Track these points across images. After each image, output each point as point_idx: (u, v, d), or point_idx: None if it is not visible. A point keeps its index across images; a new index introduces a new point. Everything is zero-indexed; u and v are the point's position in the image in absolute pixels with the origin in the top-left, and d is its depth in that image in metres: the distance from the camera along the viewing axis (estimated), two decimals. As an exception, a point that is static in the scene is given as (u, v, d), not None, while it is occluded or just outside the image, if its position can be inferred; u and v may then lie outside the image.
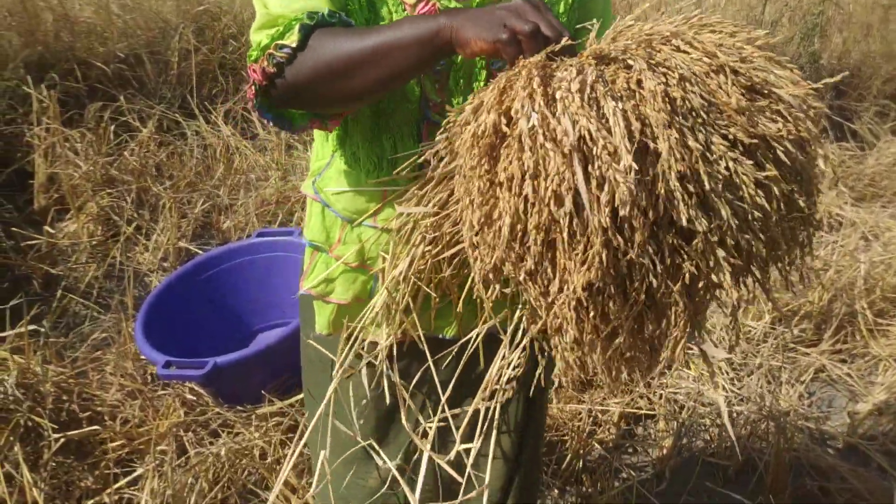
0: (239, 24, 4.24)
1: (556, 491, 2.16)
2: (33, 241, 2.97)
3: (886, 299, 2.92)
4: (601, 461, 2.23)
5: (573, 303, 0.75)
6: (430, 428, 1.07)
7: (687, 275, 0.76)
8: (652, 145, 0.70)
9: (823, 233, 3.36)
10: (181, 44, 4.04)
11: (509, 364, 1.06)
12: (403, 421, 1.10)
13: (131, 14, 4.19)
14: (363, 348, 1.14)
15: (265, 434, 2.08)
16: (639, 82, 0.73)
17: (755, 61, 0.82)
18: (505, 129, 0.72)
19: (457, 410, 1.11)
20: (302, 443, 1.15)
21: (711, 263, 0.76)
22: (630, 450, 2.35)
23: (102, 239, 3.07)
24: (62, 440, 1.97)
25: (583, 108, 0.68)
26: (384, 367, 1.09)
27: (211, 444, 2.10)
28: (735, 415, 2.41)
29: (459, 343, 1.11)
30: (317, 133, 1.20)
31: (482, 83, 1.06)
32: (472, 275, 1.06)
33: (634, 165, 0.67)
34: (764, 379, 2.57)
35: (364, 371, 1.16)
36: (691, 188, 0.72)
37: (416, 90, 1.06)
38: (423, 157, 1.00)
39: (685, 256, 0.76)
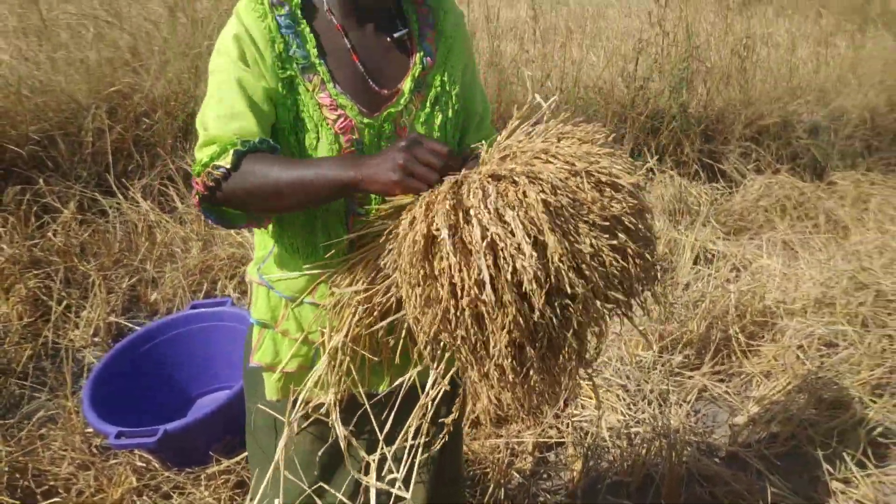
0: (150, 102, 4.37)
1: (481, 519, 2.39)
2: (-37, 327, 3.04)
3: (756, 323, 3.31)
4: (520, 488, 2.48)
5: (499, 356, 1.04)
6: (373, 461, 1.32)
7: (574, 323, 1.07)
8: (540, 238, 0.99)
9: (700, 266, 3.77)
10: (94, 123, 4.14)
11: (433, 400, 1.32)
12: (347, 465, 1.34)
13: (42, 97, 4.25)
14: (310, 410, 1.37)
15: (214, 492, 2.24)
16: (524, 193, 1.02)
17: (601, 160, 1.13)
18: (435, 233, 1.01)
19: (390, 448, 1.36)
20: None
21: (591, 312, 1.07)
22: (545, 475, 2.60)
23: (32, 320, 3.16)
24: (24, 515, 2.09)
25: (491, 219, 0.98)
26: (332, 422, 1.33)
27: (164, 506, 2.25)
28: (632, 436, 2.72)
29: (393, 394, 1.36)
30: (256, 228, 1.44)
31: None
32: (401, 337, 1.33)
33: (535, 254, 0.97)
34: (656, 402, 2.89)
35: (309, 429, 1.39)
36: (569, 263, 1.01)
37: None
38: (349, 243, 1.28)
39: (572, 311, 1.05)
